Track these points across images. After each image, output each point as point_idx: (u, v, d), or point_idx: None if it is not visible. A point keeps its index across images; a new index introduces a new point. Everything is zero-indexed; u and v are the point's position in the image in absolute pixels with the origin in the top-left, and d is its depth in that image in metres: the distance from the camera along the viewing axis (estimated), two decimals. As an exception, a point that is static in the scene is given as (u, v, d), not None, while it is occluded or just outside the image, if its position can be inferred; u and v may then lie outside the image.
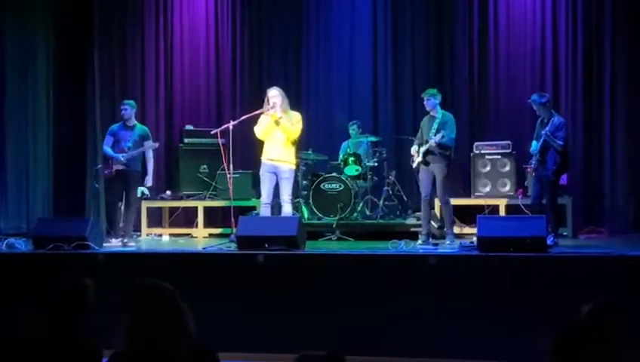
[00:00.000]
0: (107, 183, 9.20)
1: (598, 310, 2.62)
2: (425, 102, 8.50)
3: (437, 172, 8.38)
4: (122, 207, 9.03)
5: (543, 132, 8.06)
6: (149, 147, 9.01)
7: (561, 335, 2.54)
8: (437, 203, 9.13)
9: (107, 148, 8.90)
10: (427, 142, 8.37)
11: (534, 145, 8.23)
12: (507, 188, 9.89)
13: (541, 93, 8.64)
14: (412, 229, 9.24)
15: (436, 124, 8.38)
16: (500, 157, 9.98)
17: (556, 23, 10.35)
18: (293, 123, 8.41)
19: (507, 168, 9.93)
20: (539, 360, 2.73)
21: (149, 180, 9.14)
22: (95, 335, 3.20)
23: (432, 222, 9.24)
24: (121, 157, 8.78)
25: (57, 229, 7.78)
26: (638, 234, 9.43)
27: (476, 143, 10.14)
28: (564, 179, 8.91)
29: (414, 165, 8.60)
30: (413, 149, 8.55)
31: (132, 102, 9.13)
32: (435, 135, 8.28)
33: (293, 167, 8.58)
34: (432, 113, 8.52)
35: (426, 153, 8.40)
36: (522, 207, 9.20)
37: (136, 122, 9.06)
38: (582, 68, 10.20)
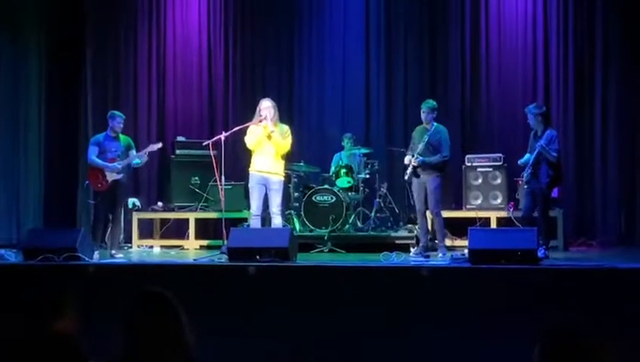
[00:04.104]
0: (100, 197, 8.89)
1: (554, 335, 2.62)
2: (424, 115, 8.43)
3: (428, 183, 8.38)
4: (111, 219, 8.95)
5: (537, 144, 8.03)
6: (148, 151, 8.97)
7: (548, 339, 2.55)
8: (429, 214, 9.14)
9: (96, 159, 8.73)
10: (420, 154, 8.33)
11: (526, 158, 8.23)
12: (499, 200, 9.91)
13: (539, 104, 8.68)
14: (401, 242, 9.24)
15: (427, 137, 8.37)
16: (491, 169, 10.01)
17: (547, 37, 10.42)
18: (284, 137, 8.41)
19: (499, 181, 9.95)
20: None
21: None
22: (81, 344, 3.15)
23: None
24: (117, 165, 8.70)
25: (48, 240, 7.75)
26: (629, 246, 9.47)
27: (468, 156, 10.17)
28: (555, 192, 8.93)
29: (406, 177, 8.60)
30: (407, 159, 8.53)
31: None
32: (425, 149, 8.30)
33: (283, 178, 8.59)
34: (426, 125, 8.52)
35: (417, 165, 8.40)
36: (514, 219, 9.22)
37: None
38: (573, 81, 10.27)
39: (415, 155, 8.31)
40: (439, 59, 10.88)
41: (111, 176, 8.70)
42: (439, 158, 8.36)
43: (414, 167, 8.36)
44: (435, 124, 8.51)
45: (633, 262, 7.33)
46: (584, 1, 10.28)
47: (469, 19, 10.74)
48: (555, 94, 10.33)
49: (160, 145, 9.27)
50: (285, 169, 8.80)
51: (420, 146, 8.31)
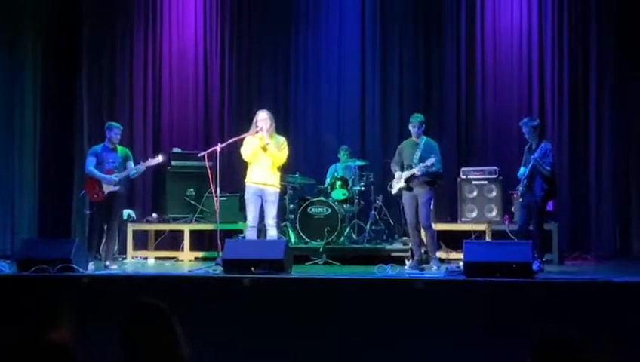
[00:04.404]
0: (96, 207, 8.81)
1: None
2: (414, 129, 8.50)
3: (420, 196, 8.40)
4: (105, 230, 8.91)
5: (531, 157, 8.07)
6: (146, 165, 8.94)
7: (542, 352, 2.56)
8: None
9: (94, 170, 8.69)
10: (410, 167, 8.39)
11: (522, 171, 8.25)
12: (494, 213, 9.90)
13: (534, 117, 8.72)
14: (396, 254, 9.24)
15: (419, 151, 8.41)
16: (486, 182, 10.01)
17: (543, 50, 10.47)
18: (280, 149, 8.42)
19: (494, 194, 9.95)
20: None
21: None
22: (77, 354, 3.14)
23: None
24: (115, 177, 8.69)
25: (42, 251, 7.69)
26: (624, 260, 9.48)
27: (463, 169, 10.17)
28: (550, 206, 8.94)
29: (394, 191, 8.61)
30: (398, 174, 8.56)
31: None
32: (419, 162, 8.31)
33: (278, 190, 8.58)
34: (415, 139, 8.56)
35: (409, 179, 8.42)
36: (508, 232, 9.22)
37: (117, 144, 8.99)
38: (568, 95, 10.30)
39: (420, 166, 8.32)
40: (434, 71, 10.92)
41: (108, 188, 8.68)
42: (434, 171, 8.41)
43: (407, 180, 8.39)
44: (425, 137, 8.56)
45: (628, 275, 7.33)
46: (579, 15, 10.33)
47: (465, 33, 10.78)
48: (549, 108, 10.37)
49: (159, 160, 9.07)
50: (281, 180, 8.81)
51: (414, 160, 8.32)
